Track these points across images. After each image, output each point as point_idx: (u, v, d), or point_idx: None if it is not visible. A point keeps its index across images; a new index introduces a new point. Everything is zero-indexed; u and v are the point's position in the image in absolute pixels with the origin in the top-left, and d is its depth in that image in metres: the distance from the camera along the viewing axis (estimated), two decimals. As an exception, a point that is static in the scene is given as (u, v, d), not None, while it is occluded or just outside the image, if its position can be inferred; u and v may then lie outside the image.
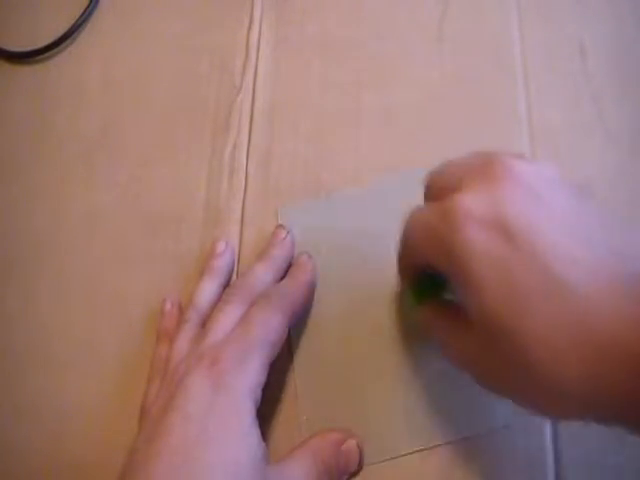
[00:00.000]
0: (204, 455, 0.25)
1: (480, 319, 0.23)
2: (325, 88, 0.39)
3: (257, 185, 0.37)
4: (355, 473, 0.30)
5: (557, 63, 0.38)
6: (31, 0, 0.44)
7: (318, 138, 0.38)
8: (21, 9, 0.44)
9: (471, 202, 0.23)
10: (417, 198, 0.27)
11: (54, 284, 0.36)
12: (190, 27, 0.42)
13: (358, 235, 0.35)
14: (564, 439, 0.30)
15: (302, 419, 0.32)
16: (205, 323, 0.31)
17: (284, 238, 0.34)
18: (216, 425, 0.26)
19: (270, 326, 0.29)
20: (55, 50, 0.42)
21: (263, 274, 0.33)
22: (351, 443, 0.30)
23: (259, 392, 0.28)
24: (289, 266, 0.34)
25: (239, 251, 0.36)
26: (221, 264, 0.34)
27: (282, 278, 0.33)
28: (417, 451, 0.30)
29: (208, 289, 0.33)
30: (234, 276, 0.35)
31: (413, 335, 0.32)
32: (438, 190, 0.26)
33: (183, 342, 0.30)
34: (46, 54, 0.42)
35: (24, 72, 0.42)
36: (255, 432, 0.27)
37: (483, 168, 0.24)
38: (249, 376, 0.28)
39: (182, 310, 0.34)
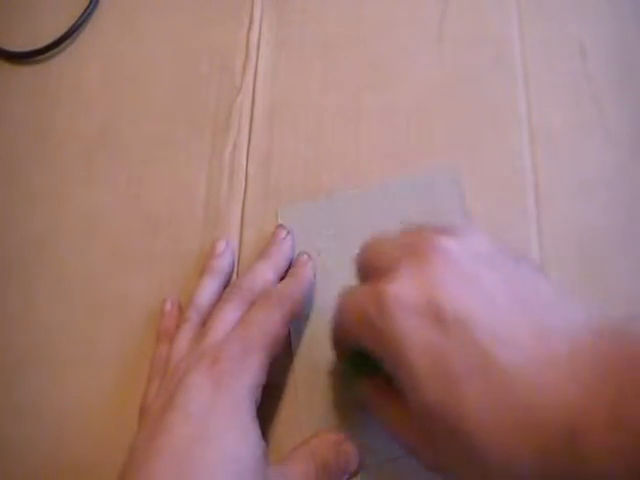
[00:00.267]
0: (204, 454, 0.25)
1: (419, 408, 0.22)
2: (325, 88, 0.39)
3: (257, 185, 0.37)
4: (355, 473, 0.30)
5: (557, 63, 0.38)
6: (31, 0, 0.44)
7: (318, 138, 0.38)
8: (21, 9, 0.44)
9: (400, 288, 0.23)
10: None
11: (54, 284, 0.36)
12: (190, 27, 0.42)
13: (358, 235, 0.35)
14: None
15: (302, 419, 0.32)
16: (205, 323, 0.31)
17: (284, 238, 0.35)
18: (216, 424, 0.26)
19: (270, 326, 0.29)
20: (55, 50, 0.42)
21: (263, 274, 0.33)
22: (351, 443, 0.30)
23: (259, 391, 0.28)
24: (289, 266, 0.34)
25: (239, 251, 0.36)
26: (221, 264, 0.34)
27: (282, 278, 0.33)
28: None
29: (208, 289, 0.33)
30: (234, 276, 0.35)
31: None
32: (370, 270, 0.25)
33: (183, 341, 0.31)
34: (46, 54, 0.42)
35: (24, 72, 0.42)
36: (255, 431, 0.27)
37: (411, 248, 0.24)
38: (249, 375, 0.28)
39: (182, 310, 0.34)
